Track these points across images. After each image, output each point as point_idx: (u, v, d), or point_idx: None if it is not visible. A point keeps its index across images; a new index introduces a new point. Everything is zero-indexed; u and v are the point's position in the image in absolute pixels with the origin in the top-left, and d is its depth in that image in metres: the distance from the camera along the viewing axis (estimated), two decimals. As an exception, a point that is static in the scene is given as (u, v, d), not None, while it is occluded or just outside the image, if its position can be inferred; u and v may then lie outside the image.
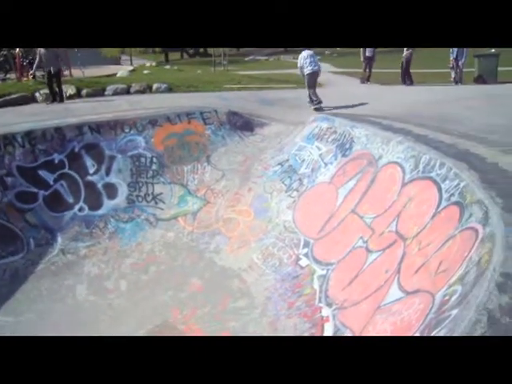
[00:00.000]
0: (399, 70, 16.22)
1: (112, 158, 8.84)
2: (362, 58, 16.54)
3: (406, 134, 6.99)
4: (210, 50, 32.31)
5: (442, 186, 5.23)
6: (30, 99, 12.96)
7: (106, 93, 14.14)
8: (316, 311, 5.80)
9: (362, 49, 16.46)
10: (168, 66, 28.89)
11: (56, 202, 8.20)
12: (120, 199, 8.63)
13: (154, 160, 9.04)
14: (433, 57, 21.93)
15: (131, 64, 30.26)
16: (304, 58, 11.16)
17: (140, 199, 8.70)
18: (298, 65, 11.48)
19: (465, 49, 15.47)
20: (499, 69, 16.07)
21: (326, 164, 7.84)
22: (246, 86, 16.28)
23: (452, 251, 4.24)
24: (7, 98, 12.55)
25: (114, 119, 9.33)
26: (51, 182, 8.27)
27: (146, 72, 21.43)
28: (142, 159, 9.00)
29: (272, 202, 8.14)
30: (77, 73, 17.74)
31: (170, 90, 14.83)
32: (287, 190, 8.15)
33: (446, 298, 3.69)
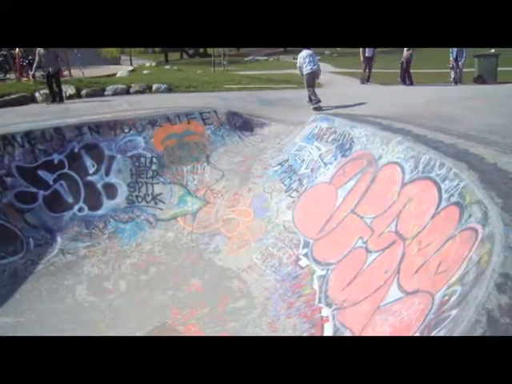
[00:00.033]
0: (399, 71, 16.26)
1: (112, 158, 8.84)
2: (361, 59, 16.56)
3: (405, 134, 6.98)
4: (210, 50, 32.30)
5: (442, 186, 5.22)
6: (29, 99, 12.96)
7: (106, 93, 14.15)
8: (316, 311, 5.80)
9: (361, 49, 16.48)
10: (168, 66, 28.89)
11: (55, 203, 8.20)
12: (120, 199, 8.63)
13: (154, 160, 9.04)
14: (432, 57, 21.95)
15: (131, 64, 30.25)
16: (303, 57, 11.19)
17: (140, 199, 8.70)
18: (297, 64, 11.52)
19: (464, 49, 15.50)
20: (499, 69, 16.10)
21: (325, 164, 7.84)
22: (245, 86, 16.30)
23: (452, 251, 4.24)
24: (7, 98, 12.56)
25: (113, 119, 9.33)
26: (51, 182, 8.26)
27: (145, 72, 21.44)
28: (142, 159, 9.00)
29: (272, 202, 8.14)
30: (76, 73, 17.75)
31: (169, 90, 14.85)
32: (287, 190, 8.15)
33: (446, 298, 3.69)
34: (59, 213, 8.16)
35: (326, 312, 5.67)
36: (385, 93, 14.28)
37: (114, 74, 19.27)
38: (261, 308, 6.36)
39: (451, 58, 15.98)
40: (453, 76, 16.20)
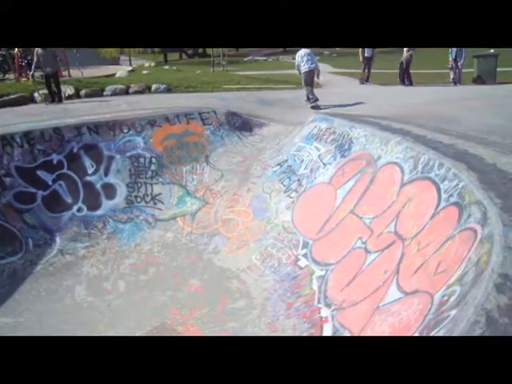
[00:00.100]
0: (398, 71, 16.26)
1: (111, 159, 8.83)
2: (361, 59, 16.56)
3: (404, 135, 6.98)
4: (209, 51, 32.32)
5: (441, 186, 5.23)
6: (28, 99, 12.96)
7: (105, 93, 14.15)
8: (315, 312, 5.79)
9: (360, 49, 16.48)
10: (167, 67, 28.88)
11: (54, 203, 8.19)
12: (119, 200, 8.62)
13: (153, 160, 9.04)
14: (432, 57, 21.97)
15: (130, 64, 30.21)
16: (301, 56, 11.24)
17: (139, 200, 8.70)
18: (295, 63, 11.58)
19: (464, 49, 15.51)
20: (498, 69, 16.12)
21: (324, 164, 7.84)
22: (244, 86, 16.30)
23: (451, 252, 4.24)
24: (6, 98, 12.55)
25: (112, 119, 9.32)
26: (50, 183, 8.26)
27: (144, 72, 21.43)
28: (141, 160, 9.00)
29: (271, 203, 8.14)
30: (75, 73, 17.71)
31: (168, 90, 14.85)
32: (286, 190, 8.15)
33: (445, 298, 3.69)
34: (58, 213, 8.16)
35: (325, 312, 5.67)
36: (384, 93, 14.29)
37: (113, 75, 19.25)
38: (260, 308, 6.36)
39: (450, 59, 15.98)
40: (452, 76, 16.21)
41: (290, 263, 6.91)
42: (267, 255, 7.28)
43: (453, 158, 5.69)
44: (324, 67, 21.39)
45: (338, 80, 19.30)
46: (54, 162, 8.41)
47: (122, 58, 34.48)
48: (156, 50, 46.78)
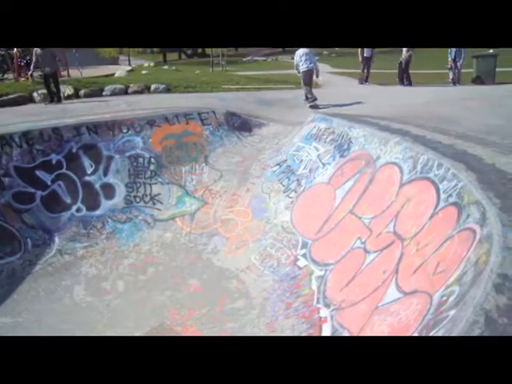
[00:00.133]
0: (397, 71, 16.26)
1: (110, 159, 8.82)
2: (360, 59, 16.56)
3: (404, 135, 6.99)
4: (208, 51, 32.30)
5: (440, 186, 5.22)
6: (27, 99, 12.94)
7: (104, 93, 14.15)
8: (314, 312, 5.79)
9: (359, 49, 16.48)
10: (166, 67, 28.89)
11: (53, 203, 8.18)
12: (118, 200, 8.62)
13: (152, 160, 9.03)
14: (431, 57, 21.98)
15: (129, 64, 30.20)
16: (300, 55, 11.29)
17: (138, 200, 8.69)
18: (294, 62, 11.62)
19: (463, 49, 15.52)
20: (497, 69, 16.14)
21: (324, 164, 7.84)
22: (244, 86, 16.30)
23: (450, 252, 4.24)
24: (5, 98, 12.54)
25: (111, 119, 9.31)
26: (49, 183, 8.25)
27: (144, 72, 21.43)
28: (140, 160, 8.99)
29: (270, 203, 8.14)
30: (75, 73, 17.70)
31: (168, 90, 14.85)
32: (285, 190, 8.15)
33: (444, 298, 3.69)
34: (57, 213, 8.15)
35: (324, 312, 5.67)
36: (383, 93, 14.30)
37: (113, 74, 19.26)
38: (259, 308, 6.36)
39: (450, 59, 16.00)
40: (451, 77, 16.22)
41: (289, 263, 6.91)
42: (266, 255, 7.28)
43: (452, 158, 5.69)
44: (323, 67, 21.40)
45: (337, 80, 19.31)
46: (53, 162, 8.40)
47: (121, 57, 34.45)
48: (155, 49, 46.80)
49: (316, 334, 5.41)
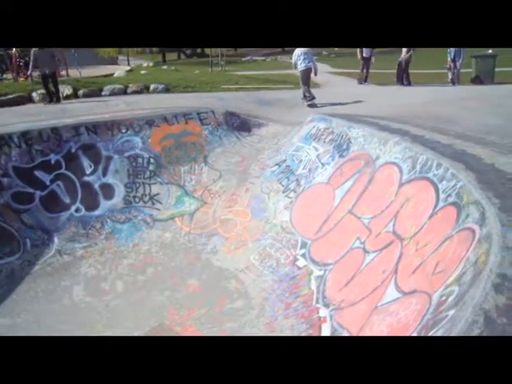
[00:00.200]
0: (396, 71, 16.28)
1: (109, 159, 8.82)
2: (358, 57, 16.56)
3: (403, 135, 6.99)
4: (208, 51, 32.30)
5: (439, 186, 5.23)
6: (26, 99, 12.93)
7: (103, 93, 14.14)
8: (313, 312, 5.79)
9: (358, 49, 16.49)
10: (165, 67, 28.86)
11: (52, 203, 8.17)
12: (117, 200, 8.61)
13: (151, 160, 9.02)
14: (430, 57, 21.99)
15: (128, 64, 30.19)
16: (298, 55, 11.39)
17: (137, 200, 8.68)
18: (292, 61, 11.71)
19: (462, 49, 15.53)
20: (496, 69, 16.15)
21: (323, 164, 7.84)
22: (243, 86, 16.30)
23: (449, 252, 4.24)
24: (4, 98, 12.51)
25: (110, 119, 9.30)
26: (48, 183, 8.24)
27: (143, 72, 21.43)
28: (139, 160, 8.99)
29: (269, 203, 8.14)
30: (74, 73, 17.71)
31: (167, 90, 14.85)
32: (284, 190, 8.15)
33: (443, 298, 3.70)
34: (56, 213, 8.14)
35: (323, 312, 5.67)
36: (382, 93, 14.30)
37: (112, 74, 19.26)
38: (258, 308, 6.35)
39: (449, 59, 16.01)
40: (450, 77, 16.24)
41: (289, 263, 6.91)
42: (265, 255, 7.28)
43: (451, 158, 5.69)
44: (322, 67, 21.41)
45: (336, 80, 19.32)
46: (52, 162, 8.39)
47: (120, 57, 34.45)
48: (154, 49, 46.74)
49: (315, 333, 5.41)
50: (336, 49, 37.15)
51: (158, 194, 8.77)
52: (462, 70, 16.15)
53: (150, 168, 8.97)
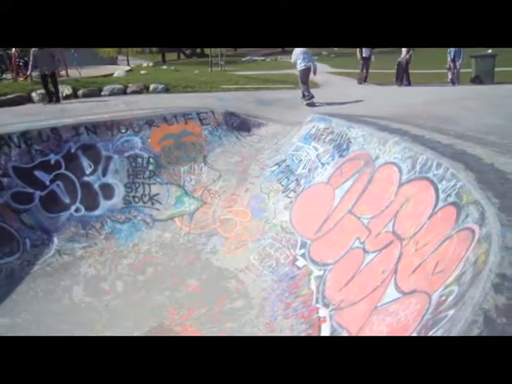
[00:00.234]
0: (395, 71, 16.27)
1: (109, 159, 8.81)
2: (358, 57, 16.56)
3: (402, 135, 6.99)
4: (207, 51, 32.27)
5: (439, 186, 5.23)
6: (26, 99, 12.92)
7: (103, 93, 14.13)
8: (313, 312, 5.79)
9: (358, 49, 16.50)
10: (165, 67, 28.86)
11: (52, 203, 8.17)
12: (117, 200, 8.61)
13: (151, 160, 9.02)
14: (430, 57, 21.98)
15: (128, 64, 30.21)
16: (297, 54, 11.49)
17: (137, 200, 8.68)
18: (292, 60, 11.77)
19: (462, 49, 15.53)
20: (496, 69, 16.15)
21: (323, 164, 7.84)
22: (243, 86, 16.30)
23: (449, 252, 4.24)
24: (3, 98, 12.50)
25: (110, 120, 9.30)
26: (47, 183, 8.23)
27: (142, 72, 21.42)
28: (139, 160, 8.98)
29: (269, 203, 8.14)
30: (73, 73, 17.70)
31: (166, 90, 14.84)
32: (284, 190, 8.15)
33: (443, 298, 3.70)
34: (56, 213, 8.14)
35: (323, 312, 5.67)
36: (382, 93, 14.31)
37: (111, 74, 19.25)
38: (258, 308, 6.35)
39: (448, 59, 16.01)
40: (450, 77, 16.23)
41: (288, 263, 6.91)
42: (265, 255, 7.28)
43: (451, 157, 5.69)
44: (322, 67, 21.42)
45: (336, 80, 19.32)
46: (52, 162, 8.39)
47: (120, 57, 34.46)
48: (154, 49, 46.82)
49: (315, 333, 5.41)
50: (336, 49, 37.17)
51: (157, 194, 8.77)
52: (461, 70, 16.15)
53: (149, 168, 8.97)
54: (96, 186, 8.58)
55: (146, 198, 8.72)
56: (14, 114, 10.87)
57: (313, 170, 7.97)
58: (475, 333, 2.76)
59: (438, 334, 3.19)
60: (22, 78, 15.89)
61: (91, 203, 8.43)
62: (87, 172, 8.61)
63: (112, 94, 14.15)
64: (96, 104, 12.02)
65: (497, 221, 3.93)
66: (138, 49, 44.21)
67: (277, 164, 8.72)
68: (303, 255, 6.83)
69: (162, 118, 9.50)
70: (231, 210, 8.46)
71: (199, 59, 39.34)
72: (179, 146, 9.30)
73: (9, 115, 10.59)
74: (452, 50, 15.69)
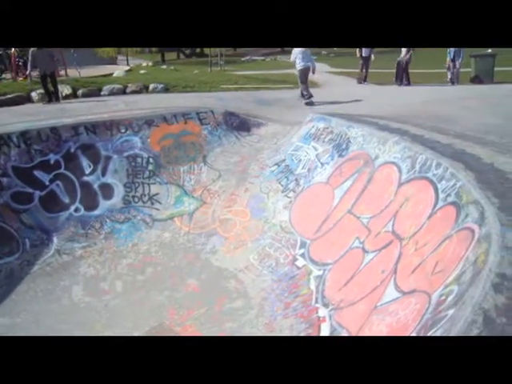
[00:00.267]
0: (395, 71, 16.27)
1: (108, 159, 8.81)
2: (357, 55, 16.58)
3: (402, 134, 6.99)
4: (207, 50, 32.27)
5: (439, 186, 5.23)
6: (25, 99, 12.91)
7: (102, 93, 14.13)
8: (312, 312, 5.79)
9: (357, 49, 16.52)
10: (164, 66, 28.84)
11: (52, 203, 8.16)
12: (116, 200, 8.61)
13: (151, 160, 9.02)
14: (430, 57, 21.98)
15: (127, 64, 30.20)
16: (296, 54, 11.56)
17: (136, 200, 8.68)
18: (291, 60, 11.84)
19: (462, 49, 15.53)
20: (496, 69, 16.16)
21: (322, 164, 7.84)
22: (242, 86, 16.29)
23: (448, 251, 4.24)
24: (3, 97, 12.50)
25: (110, 119, 9.30)
26: (47, 183, 8.23)
27: (142, 72, 21.41)
28: (139, 159, 8.98)
29: (268, 203, 8.14)
30: (73, 73, 17.69)
31: (166, 90, 14.84)
32: (284, 190, 8.15)
33: (443, 298, 3.70)
34: (55, 213, 8.13)
35: (322, 312, 5.67)
36: (382, 93, 14.31)
37: (111, 74, 19.25)
38: (258, 308, 6.35)
39: (448, 59, 16.01)
40: (449, 76, 16.24)
41: (288, 263, 6.91)
42: (265, 255, 7.28)
43: (450, 157, 5.70)
44: (322, 67, 21.42)
45: (335, 80, 19.31)
46: (51, 161, 8.38)
47: (120, 57, 34.44)
48: (153, 49, 46.78)
49: (315, 333, 5.41)
50: (335, 48, 37.15)
51: (157, 194, 8.77)
52: (461, 70, 16.15)
53: (149, 168, 8.97)
54: (95, 186, 8.58)
55: (145, 198, 8.72)
56: (14, 113, 10.86)
57: (312, 169, 7.97)
58: (475, 332, 2.76)
59: (438, 333, 3.19)
60: (21, 78, 15.88)
61: (91, 203, 8.43)
62: (87, 172, 8.61)
63: (111, 93, 14.15)
64: (95, 104, 12.02)
65: (496, 220, 3.93)
66: (138, 49, 44.20)
67: (276, 164, 8.72)
68: (303, 255, 6.83)
69: (161, 117, 9.49)
70: (231, 210, 8.46)
71: (199, 59, 39.30)
72: (179, 145, 9.30)
73: (8, 115, 10.58)
74: (452, 49, 15.69)
